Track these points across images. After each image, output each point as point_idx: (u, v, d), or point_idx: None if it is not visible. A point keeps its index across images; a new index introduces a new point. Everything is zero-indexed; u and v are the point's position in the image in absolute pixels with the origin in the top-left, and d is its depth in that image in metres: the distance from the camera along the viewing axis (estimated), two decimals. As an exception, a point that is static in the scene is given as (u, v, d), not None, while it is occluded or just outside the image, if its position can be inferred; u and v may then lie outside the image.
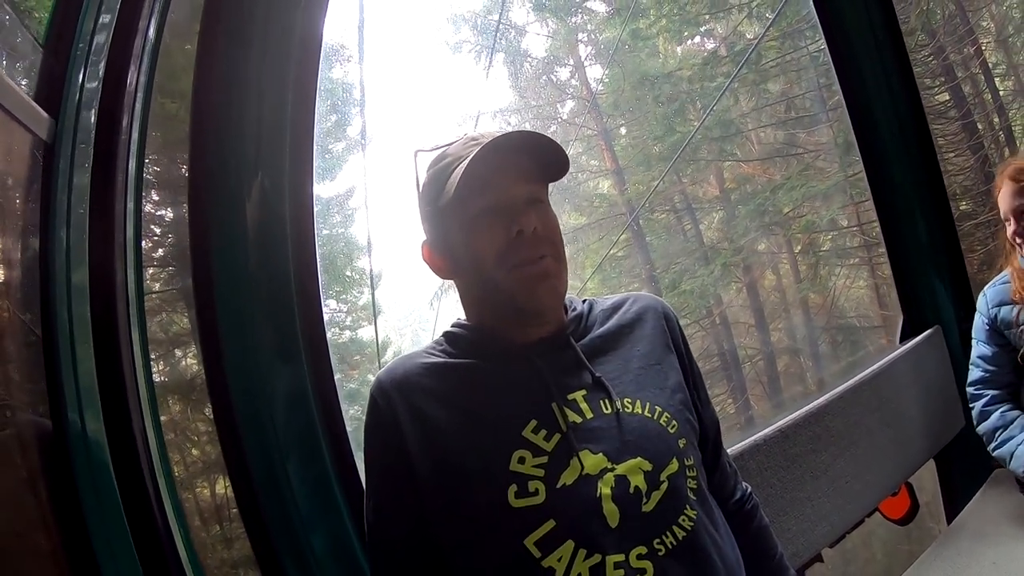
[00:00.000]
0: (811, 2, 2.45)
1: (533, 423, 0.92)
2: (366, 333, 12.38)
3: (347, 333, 12.09)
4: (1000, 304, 1.88)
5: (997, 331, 1.90)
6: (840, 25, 2.42)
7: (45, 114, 0.92)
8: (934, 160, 2.48)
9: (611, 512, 0.88)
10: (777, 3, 10.11)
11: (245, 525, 1.15)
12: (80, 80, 0.96)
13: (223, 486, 1.27)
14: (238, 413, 1.14)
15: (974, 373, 1.97)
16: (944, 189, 2.48)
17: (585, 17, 13.31)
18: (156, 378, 1.01)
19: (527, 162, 0.94)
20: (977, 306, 1.97)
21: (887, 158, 2.45)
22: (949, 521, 2.10)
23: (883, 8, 2.41)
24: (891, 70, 2.41)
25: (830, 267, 11.08)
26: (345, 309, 11.83)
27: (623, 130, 13.43)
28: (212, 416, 1.19)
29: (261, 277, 1.18)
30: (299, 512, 1.15)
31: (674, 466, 0.93)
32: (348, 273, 11.64)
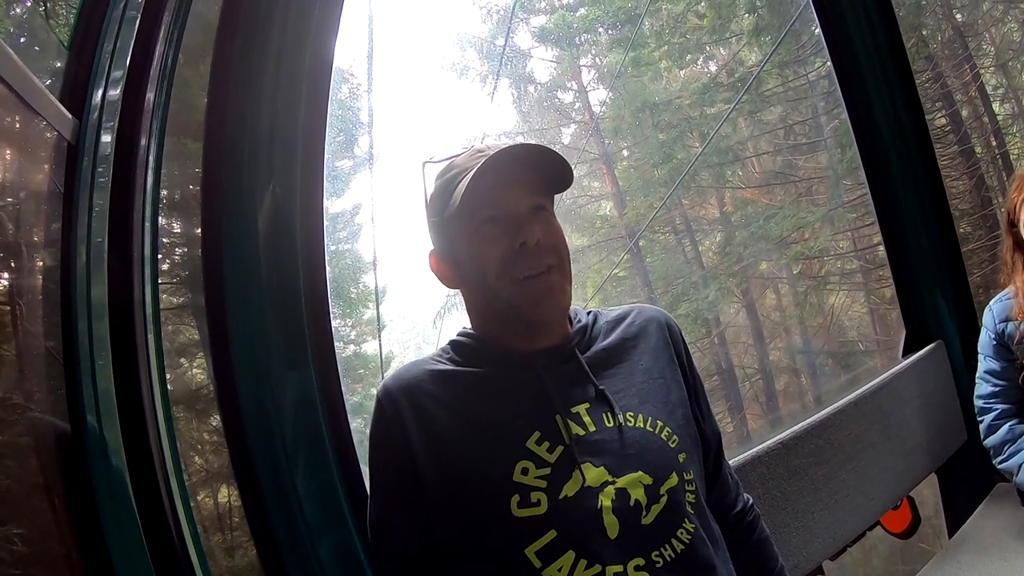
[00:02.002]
0: (817, 25, 2.48)
1: (536, 435, 0.93)
2: (370, 347, 12.40)
3: (351, 347, 12.09)
4: (1007, 320, 1.87)
5: (1004, 346, 1.89)
6: (846, 44, 2.44)
7: (69, 115, 0.93)
8: (937, 174, 2.49)
9: (611, 524, 0.89)
10: (776, 31, 10.18)
11: (252, 532, 1.16)
12: (103, 84, 0.98)
13: (226, 495, 1.28)
14: (247, 419, 1.15)
15: (983, 387, 1.95)
16: (947, 203, 2.48)
17: (589, 42, 13.49)
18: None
19: (531, 174, 0.96)
20: (983, 322, 1.96)
21: (891, 173, 2.46)
22: (951, 535, 2.09)
23: (887, 27, 2.44)
24: (894, 79, 2.43)
25: (823, 293, 11.13)
26: (350, 323, 11.83)
27: (625, 152, 13.56)
28: (217, 425, 1.20)
29: (272, 283, 1.19)
30: (305, 519, 1.15)
31: (674, 480, 0.95)
32: (353, 290, 11.67)
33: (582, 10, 13.13)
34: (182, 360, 1.40)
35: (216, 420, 1.23)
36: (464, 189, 0.91)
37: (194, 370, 1.40)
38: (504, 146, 0.93)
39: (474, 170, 0.91)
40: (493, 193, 0.94)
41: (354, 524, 1.19)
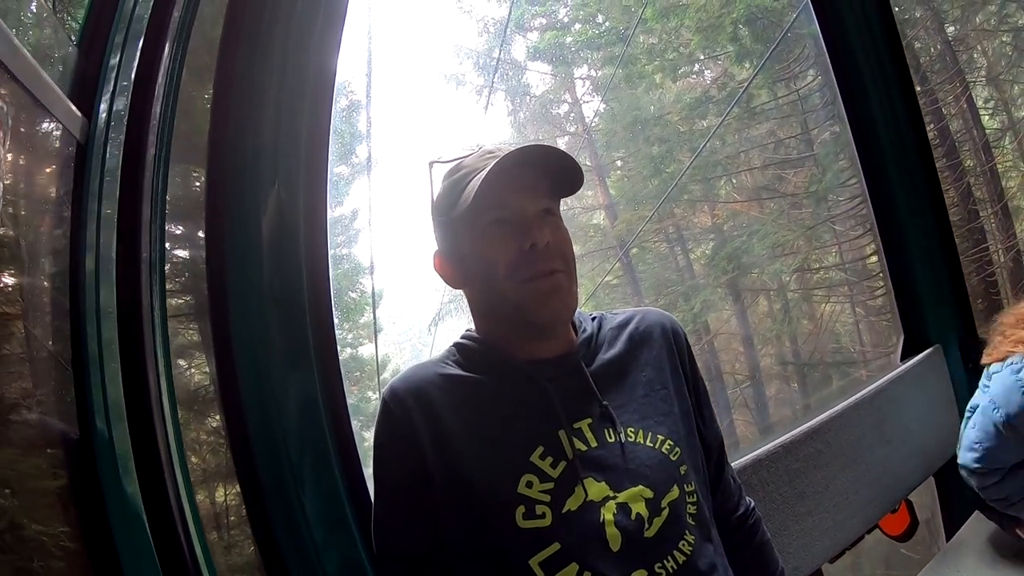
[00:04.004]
0: (819, 32, 2.50)
1: (540, 449, 0.93)
2: (366, 351, 12.41)
3: (348, 350, 12.10)
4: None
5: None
6: (846, 47, 2.46)
7: (79, 113, 0.93)
8: (935, 177, 2.49)
9: (614, 537, 0.90)
10: (759, 56, 10.25)
11: (253, 533, 1.15)
12: (112, 83, 0.97)
13: (223, 494, 1.27)
14: (250, 421, 1.14)
15: (977, 459, 1.75)
16: (945, 206, 2.48)
17: (583, 58, 13.57)
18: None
19: (541, 176, 0.96)
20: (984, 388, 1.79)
21: (889, 175, 2.46)
22: (948, 538, 2.10)
23: (886, 30, 2.46)
24: (891, 78, 2.44)
25: (810, 304, 11.19)
26: (347, 327, 11.85)
27: (618, 163, 13.65)
28: (216, 426, 1.20)
29: (275, 284, 1.19)
30: (308, 521, 1.15)
31: (675, 493, 0.95)
32: (351, 294, 11.68)
33: (577, 26, 13.20)
34: (180, 362, 1.40)
35: (214, 421, 1.23)
36: (474, 190, 0.91)
37: (191, 371, 1.39)
38: (515, 147, 0.93)
39: (485, 171, 0.91)
40: (502, 194, 0.93)
41: (356, 527, 1.18)
